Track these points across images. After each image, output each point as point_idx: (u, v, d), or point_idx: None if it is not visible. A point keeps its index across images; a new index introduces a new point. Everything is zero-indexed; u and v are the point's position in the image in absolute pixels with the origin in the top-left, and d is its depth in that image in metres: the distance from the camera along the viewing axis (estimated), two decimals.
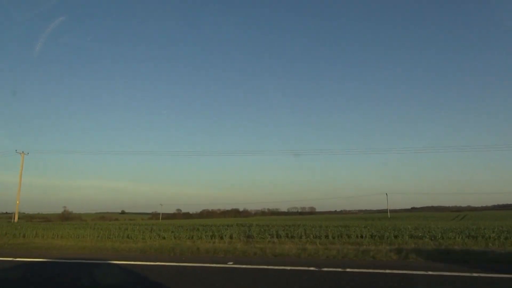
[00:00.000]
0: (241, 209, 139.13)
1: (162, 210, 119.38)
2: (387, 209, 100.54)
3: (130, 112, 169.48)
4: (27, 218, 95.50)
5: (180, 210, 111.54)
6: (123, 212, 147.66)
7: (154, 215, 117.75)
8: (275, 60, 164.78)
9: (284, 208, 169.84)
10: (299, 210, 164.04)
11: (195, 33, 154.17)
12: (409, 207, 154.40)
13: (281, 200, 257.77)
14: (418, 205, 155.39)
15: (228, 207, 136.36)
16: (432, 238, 15.15)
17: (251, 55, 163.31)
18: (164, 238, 17.30)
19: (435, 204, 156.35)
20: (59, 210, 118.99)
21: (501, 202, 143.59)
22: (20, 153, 51.99)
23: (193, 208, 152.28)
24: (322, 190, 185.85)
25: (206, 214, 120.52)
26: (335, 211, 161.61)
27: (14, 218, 53.44)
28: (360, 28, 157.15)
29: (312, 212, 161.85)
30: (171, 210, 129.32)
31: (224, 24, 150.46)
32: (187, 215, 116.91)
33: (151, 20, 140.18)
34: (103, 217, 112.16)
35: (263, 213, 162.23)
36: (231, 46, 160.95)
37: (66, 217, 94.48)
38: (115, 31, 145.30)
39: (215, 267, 8.76)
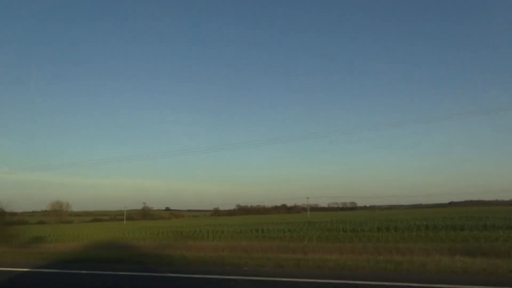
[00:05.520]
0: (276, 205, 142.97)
1: (222, 207, 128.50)
2: None
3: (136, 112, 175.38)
4: (113, 214, 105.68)
5: (243, 206, 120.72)
6: (167, 209, 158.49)
7: (216, 212, 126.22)
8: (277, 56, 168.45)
9: (324, 204, 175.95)
10: (340, 206, 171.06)
11: (194, 32, 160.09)
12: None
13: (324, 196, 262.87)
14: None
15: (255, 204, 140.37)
16: None
17: (252, 51, 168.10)
18: None
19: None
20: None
21: None
22: None
23: (229, 205, 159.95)
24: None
25: (262, 210, 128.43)
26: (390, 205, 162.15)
27: None
28: (359, 22, 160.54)
29: (353, 208, 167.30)
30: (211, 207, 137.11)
31: (223, 22, 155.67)
32: (246, 211, 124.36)
33: (151, 19, 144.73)
34: (171, 213, 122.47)
35: (303, 209, 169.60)
36: (231, 43, 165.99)
37: (146, 213, 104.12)
38: (115, 30, 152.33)
39: None
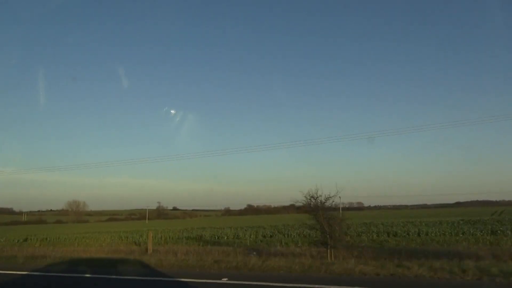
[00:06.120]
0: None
1: (233, 207, 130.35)
2: None
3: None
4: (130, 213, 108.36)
5: (252, 206, 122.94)
6: (175, 209, 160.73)
7: (227, 211, 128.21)
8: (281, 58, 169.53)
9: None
10: (347, 206, 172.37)
11: (199, 33, 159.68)
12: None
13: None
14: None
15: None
16: None
17: (256, 53, 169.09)
18: None
19: None
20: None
21: None
22: None
23: (236, 205, 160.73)
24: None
25: (272, 210, 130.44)
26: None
27: None
28: (363, 24, 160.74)
29: (360, 208, 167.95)
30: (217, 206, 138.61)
31: (225, 22, 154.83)
32: (257, 211, 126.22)
33: (152, 20, 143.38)
34: (185, 213, 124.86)
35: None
36: (236, 45, 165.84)
37: (160, 212, 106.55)
38: (118, 32, 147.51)
39: None
